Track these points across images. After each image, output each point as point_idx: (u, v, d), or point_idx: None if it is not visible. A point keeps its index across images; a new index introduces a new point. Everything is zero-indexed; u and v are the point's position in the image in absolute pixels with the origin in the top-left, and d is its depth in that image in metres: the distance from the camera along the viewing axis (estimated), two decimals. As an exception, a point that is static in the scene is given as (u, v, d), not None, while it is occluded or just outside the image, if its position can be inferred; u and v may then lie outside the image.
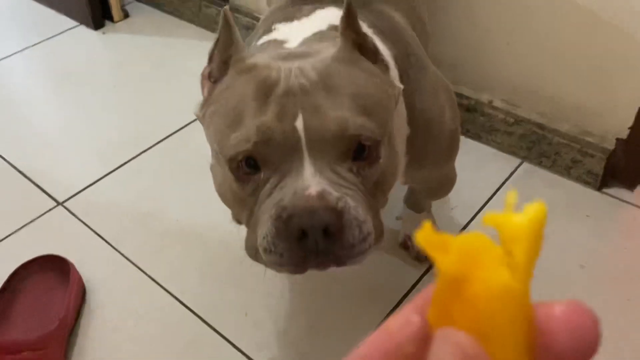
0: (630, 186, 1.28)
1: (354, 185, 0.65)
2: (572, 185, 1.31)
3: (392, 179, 0.73)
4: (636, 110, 1.19)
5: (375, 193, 0.69)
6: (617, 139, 1.24)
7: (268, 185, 0.65)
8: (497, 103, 1.37)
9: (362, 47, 0.71)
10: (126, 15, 2.03)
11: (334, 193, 0.62)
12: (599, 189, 1.28)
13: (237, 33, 0.71)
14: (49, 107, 1.67)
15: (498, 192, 1.31)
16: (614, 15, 1.12)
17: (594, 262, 1.14)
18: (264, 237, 0.64)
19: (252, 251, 0.70)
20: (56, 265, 1.16)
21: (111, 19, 2.00)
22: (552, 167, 1.33)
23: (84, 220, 1.30)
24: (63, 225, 1.30)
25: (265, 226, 0.64)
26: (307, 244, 0.61)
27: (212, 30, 1.90)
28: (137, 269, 1.19)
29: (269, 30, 0.86)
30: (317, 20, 0.83)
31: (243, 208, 0.69)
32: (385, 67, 0.74)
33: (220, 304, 1.12)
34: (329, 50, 0.71)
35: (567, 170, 1.31)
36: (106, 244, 1.24)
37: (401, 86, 0.75)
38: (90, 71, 1.78)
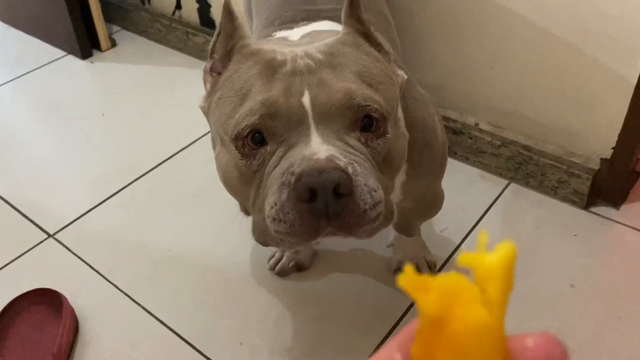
0: (616, 204, 1.31)
1: (362, 154, 0.65)
2: (559, 204, 1.33)
3: (400, 160, 0.73)
4: (618, 130, 1.22)
5: (383, 170, 0.68)
6: (602, 159, 1.27)
7: (274, 157, 0.64)
8: (483, 126, 1.40)
9: (365, 35, 0.73)
10: (114, 44, 2.04)
11: (342, 158, 0.61)
12: (586, 207, 1.31)
13: (239, 22, 0.72)
14: (38, 138, 1.66)
15: (488, 213, 1.33)
16: (593, 41, 1.15)
17: (584, 280, 1.16)
18: (272, 206, 0.63)
19: (260, 234, 0.68)
20: (49, 298, 1.15)
21: (99, 48, 2.01)
22: (539, 187, 1.35)
23: (75, 251, 1.30)
24: (54, 258, 1.29)
25: (274, 195, 0.63)
26: (317, 206, 0.60)
27: (200, 57, 1.92)
28: (130, 299, 1.19)
29: (269, 36, 0.89)
30: (315, 26, 0.86)
31: (249, 188, 0.68)
32: (388, 58, 0.75)
33: (215, 333, 1.11)
34: (333, 37, 0.73)
35: (554, 190, 1.33)
36: (98, 276, 1.24)
37: (405, 76, 0.77)
38: (79, 101, 1.79)
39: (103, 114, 1.73)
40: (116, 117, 1.72)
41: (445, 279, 0.27)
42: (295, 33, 0.84)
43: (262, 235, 0.68)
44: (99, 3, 1.95)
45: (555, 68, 1.23)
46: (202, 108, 0.77)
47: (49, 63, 1.98)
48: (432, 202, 1.06)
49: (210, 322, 1.14)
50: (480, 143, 1.39)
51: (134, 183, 1.47)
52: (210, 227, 1.33)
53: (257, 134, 0.65)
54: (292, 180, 0.60)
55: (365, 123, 0.66)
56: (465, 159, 1.44)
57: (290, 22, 0.93)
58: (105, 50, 2.02)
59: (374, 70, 0.70)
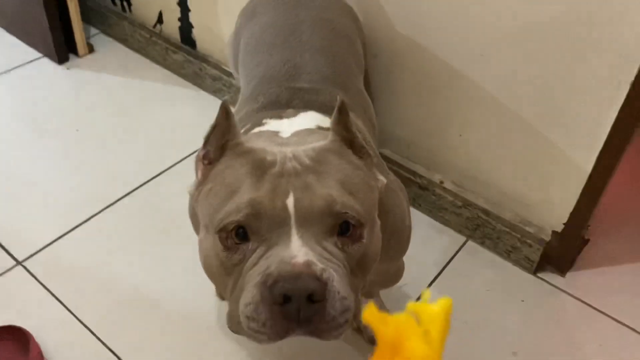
0: (562, 272, 1.40)
1: (338, 260, 0.70)
2: (511, 267, 1.42)
3: (372, 262, 0.77)
4: (570, 209, 1.30)
5: (356, 273, 0.73)
6: (553, 231, 1.35)
7: (255, 255, 0.69)
8: (448, 185, 1.47)
9: (351, 143, 0.79)
10: (91, 49, 2.02)
11: (319, 264, 0.66)
12: (535, 272, 1.40)
13: (235, 120, 0.77)
14: (8, 152, 1.65)
15: (444, 271, 1.40)
16: (555, 128, 1.22)
17: (525, 350, 1.25)
18: (247, 305, 0.67)
19: (234, 323, 0.72)
20: (15, 335, 1.18)
21: (76, 52, 1.99)
22: (494, 249, 1.44)
23: (43, 282, 1.32)
24: (22, 287, 1.31)
25: (249, 294, 0.67)
26: (290, 310, 0.64)
27: (179, 74, 1.93)
28: (96, 339, 1.23)
29: (259, 124, 0.93)
30: (304, 120, 0.91)
31: (228, 279, 0.72)
32: (370, 163, 0.81)
33: (177, 382, 1.17)
34: (320, 142, 0.78)
35: (507, 253, 1.42)
36: (65, 310, 1.27)
37: (384, 180, 0.83)
38: (52, 112, 1.78)
39: (77, 130, 1.73)
40: (90, 134, 1.72)
41: (399, 317, 0.36)
42: (285, 127, 0.88)
43: (235, 326, 0.73)
44: (78, 5, 1.91)
45: (518, 144, 1.30)
46: (191, 194, 0.82)
47: (23, 65, 1.96)
48: (394, 276, 1.13)
49: (173, 369, 1.19)
50: (443, 201, 1.46)
51: (104, 212, 1.49)
52: (179, 266, 1.37)
53: (241, 230, 0.69)
54: (269, 282, 0.65)
55: (343, 228, 0.71)
56: (429, 212, 1.51)
57: (275, 102, 0.98)
58: (82, 56, 2.00)
59: (355, 179, 0.75)
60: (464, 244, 1.47)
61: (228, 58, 1.31)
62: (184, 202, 1.52)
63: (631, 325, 1.30)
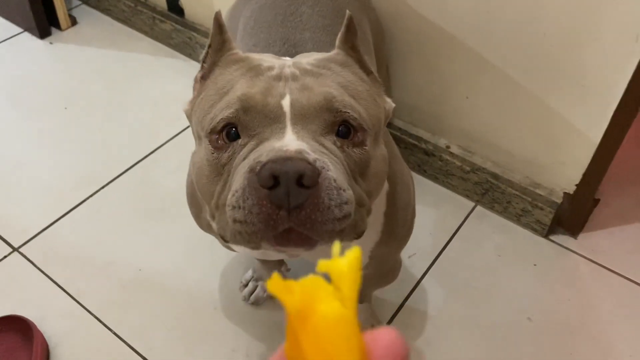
0: (574, 234, 1.37)
1: (335, 157, 0.63)
2: (521, 231, 1.39)
3: (377, 179, 0.70)
4: (583, 169, 1.26)
5: (356, 179, 0.66)
6: (565, 193, 1.32)
7: (244, 150, 0.63)
8: (454, 149, 1.42)
9: (357, 61, 0.73)
10: (74, 22, 1.93)
11: (311, 153, 0.59)
12: (546, 236, 1.37)
13: (229, 35, 0.72)
14: (-5, 132, 1.59)
15: (454, 238, 1.37)
16: (568, 85, 1.17)
17: (540, 314, 1.23)
18: (233, 194, 0.60)
19: (221, 229, 0.65)
20: (17, 325, 1.15)
21: (58, 26, 1.90)
22: (504, 212, 1.40)
23: (42, 268, 1.28)
24: (20, 274, 1.27)
25: (237, 183, 0.61)
26: (278, 193, 0.57)
27: (168, 45, 1.85)
28: (100, 324, 1.19)
29: None
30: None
31: (217, 183, 0.66)
32: (378, 84, 0.75)
33: (187, 364, 1.14)
34: (324, 54, 0.73)
35: (518, 217, 1.38)
36: (67, 296, 1.23)
37: (392, 104, 0.76)
38: (38, 90, 1.71)
39: (65, 108, 1.66)
40: (79, 112, 1.65)
41: (305, 281, 0.32)
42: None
43: (222, 231, 0.65)
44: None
45: (528, 105, 1.25)
46: (186, 111, 0.75)
47: (3, 41, 1.87)
48: (391, 271, 1.07)
49: (183, 350, 1.16)
50: (450, 166, 1.42)
51: (100, 192, 1.44)
52: (181, 246, 1.33)
53: (232, 129, 0.64)
54: (258, 167, 0.58)
55: (342, 130, 0.65)
56: (435, 179, 1.47)
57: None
58: (65, 29, 1.91)
59: (359, 87, 0.70)
60: (473, 209, 1.43)
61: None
62: (182, 178, 1.48)
63: (645, 284, 1.28)
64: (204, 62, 0.73)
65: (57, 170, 1.49)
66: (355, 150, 0.65)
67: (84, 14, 1.97)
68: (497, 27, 1.19)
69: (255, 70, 0.67)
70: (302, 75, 0.66)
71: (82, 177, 1.47)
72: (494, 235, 1.38)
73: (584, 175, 1.27)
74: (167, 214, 1.40)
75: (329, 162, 0.60)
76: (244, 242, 0.61)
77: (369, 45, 1.08)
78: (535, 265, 1.32)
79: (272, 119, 0.63)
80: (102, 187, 1.45)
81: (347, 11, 0.72)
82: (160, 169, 1.50)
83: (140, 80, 1.75)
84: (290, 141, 0.60)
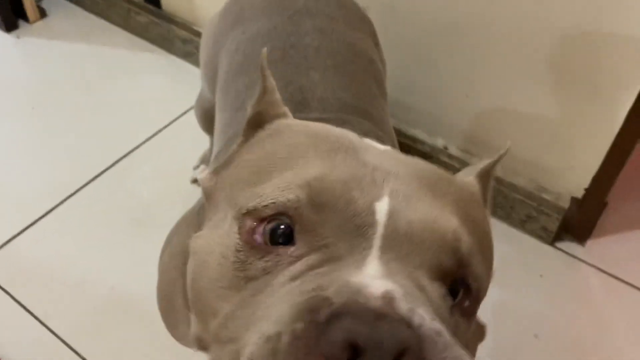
0: (582, 241, 1.28)
1: (442, 319, 0.38)
2: (526, 239, 1.29)
3: (473, 351, 0.49)
4: (593, 173, 1.17)
5: None
6: (572, 198, 1.22)
7: (299, 265, 0.39)
8: (453, 150, 1.32)
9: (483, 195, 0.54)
10: (43, 14, 1.80)
11: (405, 302, 0.35)
12: (552, 243, 1.28)
13: (273, 86, 0.52)
14: (-44, 135, 1.47)
15: (452, 246, 1.28)
16: (579, 84, 1.08)
17: (548, 330, 1.14)
18: (268, 339, 0.34)
19: None
20: (-25, 354, 1.04)
21: (26, 18, 1.77)
22: (507, 219, 1.31)
23: (5, 288, 1.17)
24: (-19, 295, 1.16)
25: (272, 324, 0.35)
26: None
27: (144, 38, 1.73)
28: (70, 350, 1.08)
29: None
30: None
31: (228, 299, 0.42)
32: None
33: (165, 394, 1.04)
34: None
35: (522, 224, 1.29)
36: (33, 319, 1.12)
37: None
38: (4, 89, 1.58)
39: (32, 108, 1.54)
40: (47, 112, 1.53)
41: None
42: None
43: None
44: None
45: (534, 103, 1.16)
46: (204, 183, 0.52)
47: (-34, 36, 1.74)
48: None
49: (159, 379, 1.06)
50: (449, 169, 1.32)
51: (67, 201, 1.32)
52: (157, 261, 1.22)
53: (283, 224, 0.41)
54: (325, 311, 0.34)
55: (453, 288, 0.42)
56: (432, 182, 1.38)
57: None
58: (33, 22, 1.78)
59: (485, 237, 0.48)
60: (473, 215, 1.34)
61: (201, 63, 1.07)
62: (159, 185, 1.37)
63: (659, 296, 1.19)
64: (247, 125, 0.52)
65: (21, 177, 1.37)
66: (463, 321, 0.42)
67: (54, 5, 1.84)
68: (502, 19, 1.09)
69: (334, 146, 0.44)
70: (410, 180, 0.43)
71: (48, 185, 1.35)
72: (497, 244, 1.27)
73: (594, 179, 1.18)
74: (143, 224, 1.28)
75: (426, 312, 0.36)
76: None
77: (384, 87, 0.91)
78: (541, 276, 1.23)
79: (354, 229, 0.39)
80: (71, 195, 1.33)
81: (508, 143, 0.53)
82: (135, 174, 1.39)
83: (115, 77, 1.63)
84: (372, 273, 0.37)
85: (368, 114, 0.78)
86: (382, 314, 0.33)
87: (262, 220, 0.41)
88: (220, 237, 0.44)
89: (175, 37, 1.65)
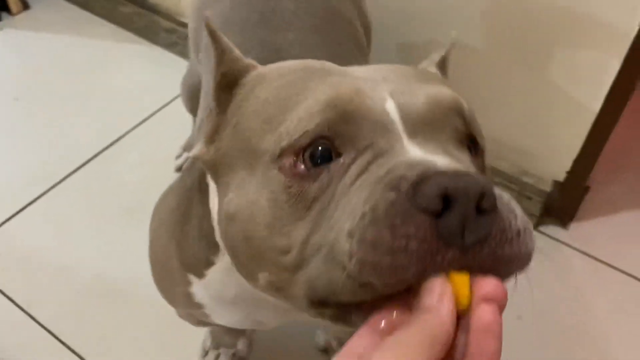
0: (565, 224, 1.29)
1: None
2: (509, 223, 1.30)
3: None
4: (575, 155, 1.18)
5: None
6: (554, 181, 1.23)
7: (354, 168, 0.42)
8: (437, 136, 1.33)
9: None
10: (26, 6, 1.80)
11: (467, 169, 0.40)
12: (535, 227, 1.29)
13: (229, 43, 0.51)
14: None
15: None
16: (559, 66, 1.09)
17: (531, 312, 1.15)
18: (363, 215, 0.37)
19: (325, 287, 0.40)
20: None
21: (8, 10, 1.76)
22: (490, 203, 1.32)
23: (-12, 276, 1.16)
24: (-36, 284, 1.15)
25: (365, 204, 0.38)
26: (449, 223, 0.36)
27: (129, 29, 1.72)
28: (53, 338, 1.08)
29: None
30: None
31: (295, 231, 0.43)
32: None
33: (149, 379, 1.04)
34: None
35: (505, 208, 1.30)
36: (16, 308, 1.12)
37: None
38: (-14, 80, 1.58)
39: (16, 99, 1.53)
40: (31, 103, 1.52)
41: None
42: None
43: (317, 281, 0.41)
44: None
45: (517, 90, 1.16)
46: (202, 155, 0.52)
47: (-52, 28, 1.72)
48: None
49: (144, 365, 1.05)
50: (433, 155, 1.33)
51: (52, 190, 1.32)
52: (143, 248, 1.21)
53: (321, 146, 0.43)
54: (407, 183, 0.37)
55: (468, 148, 0.47)
56: (416, 168, 1.38)
57: None
58: (16, 14, 1.77)
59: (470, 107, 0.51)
60: (457, 200, 1.34)
61: (189, 32, 1.06)
62: (146, 172, 1.37)
63: (638, 276, 1.20)
64: (216, 89, 0.52)
65: (6, 166, 1.36)
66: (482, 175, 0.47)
67: (38, -3, 1.83)
68: (478, 2, 1.09)
69: (323, 70, 0.47)
70: (399, 77, 0.47)
71: (33, 174, 1.34)
72: (480, 228, 1.30)
73: (575, 161, 1.18)
74: (128, 212, 1.28)
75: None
76: (366, 294, 0.38)
77: (363, 48, 0.93)
78: (524, 259, 1.24)
79: (381, 129, 0.42)
80: (56, 184, 1.33)
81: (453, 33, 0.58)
82: (120, 163, 1.39)
83: (99, 68, 1.62)
84: (421, 154, 0.41)
85: None
86: (459, 172, 0.37)
87: (298, 152, 0.43)
88: (258, 187, 0.45)
89: (159, 28, 1.64)
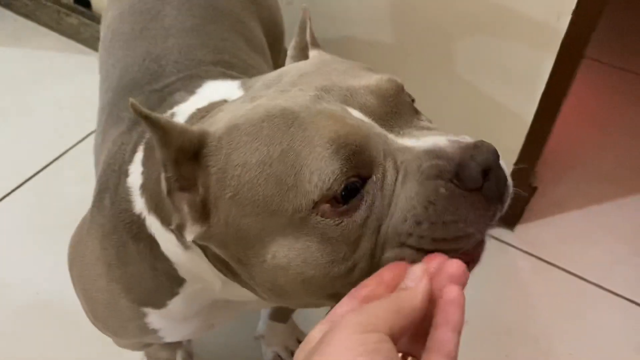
0: (510, 226, 1.30)
1: None
2: (457, 226, 1.31)
3: None
4: (515, 157, 1.19)
5: None
6: (498, 184, 1.24)
7: (389, 175, 0.46)
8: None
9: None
10: (-29, 18, 1.76)
11: (456, 137, 0.48)
12: (482, 229, 1.30)
13: (167, 120, 0.48)
14: None
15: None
16: (491, 63, 1.10)
17: (477, 316, 1.15)
18: (426, 206, 0.45)
19: None
20: None
21: (-48, 23, 1.72)
22: (438, 207, 1.32)
23: None
24: None
25: (418, 196, 0.45)
26: (491, 188, 0.45)
27: (76, 39, 1.70)
28: (-9, 359, 1.06)
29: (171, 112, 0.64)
30: (210, 93, 0.64)
31: (357, 252, 0.47)
32: None
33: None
34: (304, 62, 0.57)
35: (452, 211, 1.31)
36: (-48, 329, 1.09)
37: None
38: None
39: (-43, 114, 1.49)
40: (-26, 117, 1.49)
41: None
42: (203, 98, 0.62)
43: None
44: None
45: (457, 89, 1.18)
46: (203, 234, 0.51)
47: None
48: None
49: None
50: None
51: (-5, 207, 1.29)
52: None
53: (354, 180, 0.46)
54: (449, 168, 0.45)
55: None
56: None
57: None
58: (-40, 27, 1.73)
59: None
60: (405, 205, 1.35)
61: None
62: (89, 188, 1.34)
63: (585, 277, 1.22)
64: (165, 169, 0.49)
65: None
66: None
67: (-16, 9, 1.79)
68: (418, 10, 1.10)
69: (285, 116, 0.47)
70: (332, 82, 0.50)
71: (-27, 192, 1.31)
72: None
73: (517, 160, 1.20)
74: (71, 229, 1.26)
75: None
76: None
77: (262, 46, 0.92)
78: (471, 262, 1.25)
79: (377, 136, 0.47)
80: (-3, 202, 1.30)
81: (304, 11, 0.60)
82: (63, 178, 1.36)
83: (46, 80, 1.59)
84: (420, 140, 0.47)
85: (229, 64, 0.79)
86: (471, 145, 0.46)
87: (332, 196, 0.45)
88: (301, 238, 0.47)
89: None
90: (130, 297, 0.68)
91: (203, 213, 0.50)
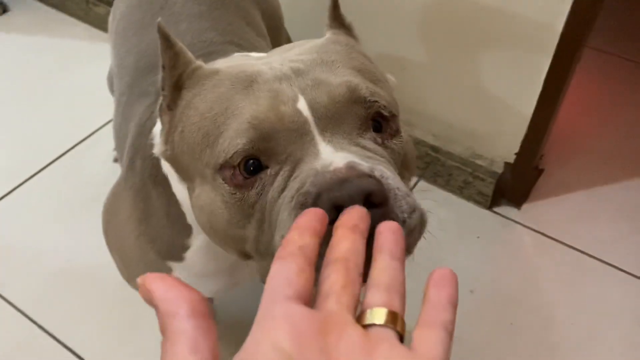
0: (518, 205, 1.35)
1: (383, 157, 0.53)
2: (464, 204, 1.36)
3: (414, 165, 0.63)
4: (521, 138, 1.24)
5: (403, 174, 0.58)
6: (505, 163, 1.30)
7: (279, 180, 0.51)
8: (395, 123, 1.39)
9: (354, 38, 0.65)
10: (5, 9, 1.85)
11: (364, 163, 0.49)
12: (490, 207, 1.35)
13: (181, 47, 0.57)
14: None
15: (396, 214, 1.34)
16: (501, 53, 1.15)
17: (483, 286, 1.21)
18: (283, 230, 0.49)
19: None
20: None
21: (-13, 14, 1.82)
22: (446, 186, 1.38)
23: (-37, 262, 1.21)
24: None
25: (285, 226, 0.49)
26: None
27: (103, 29, 1.78)
28: (25, 318, 1.13)
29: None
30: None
31: (248, 227, 0.54)
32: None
33: (119, 357, 1.09)
34: (317, 40, 0.61)
35: (460, 189, 1.36)
36: (-11, 291, 1.17)
37: (394, 80, 0.68)
38: (-36, 80, 1.63)
39: (-7, 97, 1.58)
40: (7, 100, 1.58)
41: None
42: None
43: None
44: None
45: (463, 75, 1.23)
46: (164, 153, 0.60)
47: None
48: None
49: (116, 346, 1.10)
50: (391, 141, 1.39)
51: (26, 183, 1.37)
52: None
53: (251, 161, 0.52)
54: (309, 200, 0.47)
55: (376, 123, 0.54)
56: (377, 155, 1.44)
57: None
58: (-5, 17, 1.83)
59: (372, 68, 0.59)
60: (415, 184, 1.41)
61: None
62: (113, 166, 1.42)
63: (588, 252, 1.27)
64: (163, 88, 0.58)
65: (-18, 162, 1.42)
66: (394, 142, 0.56)
67: (15, 1, 1.89)
68: (414, 12, 1.16)
69: (245, 80, 0.54)
70: (307, 67, 0.55)
71: (7, 168, 1.39)
72: (438, 210, 1.35)
73: (523, 143, 1.25)
74: (99, 203, 1.33)
75: (385, 169, 0.50)
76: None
77: (263, 33, 0.99)
78: (478, 237, 1.30)
79: (296, 133, 0.51)
80: (28, 179, 1.38)
81: None
82: (94, 156, 1.44)
83: (73, 67, 1.68)
84: (329, 155, 0.50)
85: (236, 44, 0.86)
86: (346, 178, 0.47)
87: (234, 166, 0.52)
88: (213, 191, 0.54)
89: (132, 27, 1.70)
90: (155, 250, 0.73)
91: (168, 136, 0.59)
